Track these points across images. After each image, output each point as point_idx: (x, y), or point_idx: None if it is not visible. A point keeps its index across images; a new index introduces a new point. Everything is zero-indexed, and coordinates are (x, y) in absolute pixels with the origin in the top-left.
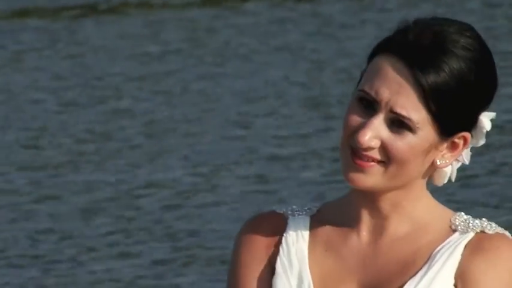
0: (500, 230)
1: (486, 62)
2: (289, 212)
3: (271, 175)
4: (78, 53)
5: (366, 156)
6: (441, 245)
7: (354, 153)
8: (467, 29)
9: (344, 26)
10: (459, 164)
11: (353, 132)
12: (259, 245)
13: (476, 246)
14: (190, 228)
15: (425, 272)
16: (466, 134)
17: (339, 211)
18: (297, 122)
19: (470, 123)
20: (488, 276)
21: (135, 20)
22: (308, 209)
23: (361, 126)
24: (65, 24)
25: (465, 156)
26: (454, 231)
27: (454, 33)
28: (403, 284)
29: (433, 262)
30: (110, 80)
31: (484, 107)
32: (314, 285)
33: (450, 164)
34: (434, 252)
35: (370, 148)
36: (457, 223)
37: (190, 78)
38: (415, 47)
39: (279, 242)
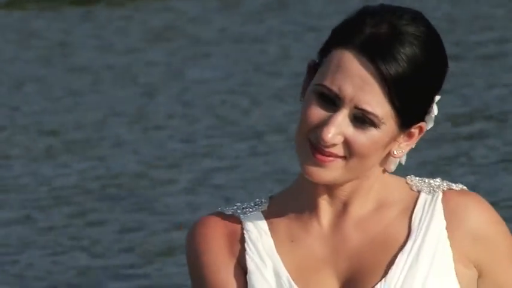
0: (461, 185)
1: (439, 49)
2: (238, 211)
3: None
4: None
5: (328, 152)
6: (415, 210)
7: (314, 148)
8: (418, 17)
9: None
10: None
11: (314, 128)
12: (221, 245)
13: (460, 204)
14: None
15: (414, 241)
16: (422, 124)
17: (292, 201)
18: None
19: (427, 112)
20: (498, 228)
21: None
22: (255, 204)
23: (324, 123)
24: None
25: None
26: (418, 192)
27: (408, 23)
28: (392, 260)
29: (418, 230)
30: None
31: (435, 92)
32: (292, 279)
33: (406, 152)
34: (413, 221)
35: (333, 144)
36: (418, 184)
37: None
38: (373, 40)
39: (242, 241)
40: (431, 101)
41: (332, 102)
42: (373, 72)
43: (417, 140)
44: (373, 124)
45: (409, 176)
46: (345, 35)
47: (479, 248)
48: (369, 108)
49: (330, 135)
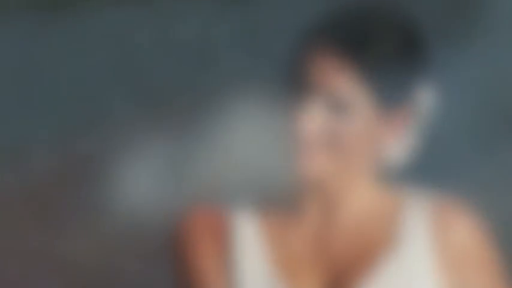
0: (452, 197)
1: (407, 32)
2: (228, 203)
3: None
4: None
5: (309, 144)
6: (402, 220)
7: (300, 146)
8: (379, 7)
9: None
10: (406, 142)
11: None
12: (209, 239)
13: (446, 219)
14: None
15: (399, 250)
16: (405, 108)
17: (283, 201)
18: None
19: (406, 94)
20: (479, 250)
21: None
22: (246, 199)
23: (300, 121)
24: None
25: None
26: (404, 201)
27: (372, 15)
28: (375, 268)
29: (404, 239)
30: None
31: (415, 77)
32: (277, 276)
33: (395, 143)
34: (399, 230)
35: (314, 137)
36: (407, 193)
37: None
38: (335, 33)
39: (229, 232)
40: (408, 82)
41: (305, 100)
42: (336, 60)
43: (405, 127)
44: (346, 107)
45: (397, 184)
46: (307, 38)
47: (457, 266)
48: (336, 93)
49: (304, 128)
